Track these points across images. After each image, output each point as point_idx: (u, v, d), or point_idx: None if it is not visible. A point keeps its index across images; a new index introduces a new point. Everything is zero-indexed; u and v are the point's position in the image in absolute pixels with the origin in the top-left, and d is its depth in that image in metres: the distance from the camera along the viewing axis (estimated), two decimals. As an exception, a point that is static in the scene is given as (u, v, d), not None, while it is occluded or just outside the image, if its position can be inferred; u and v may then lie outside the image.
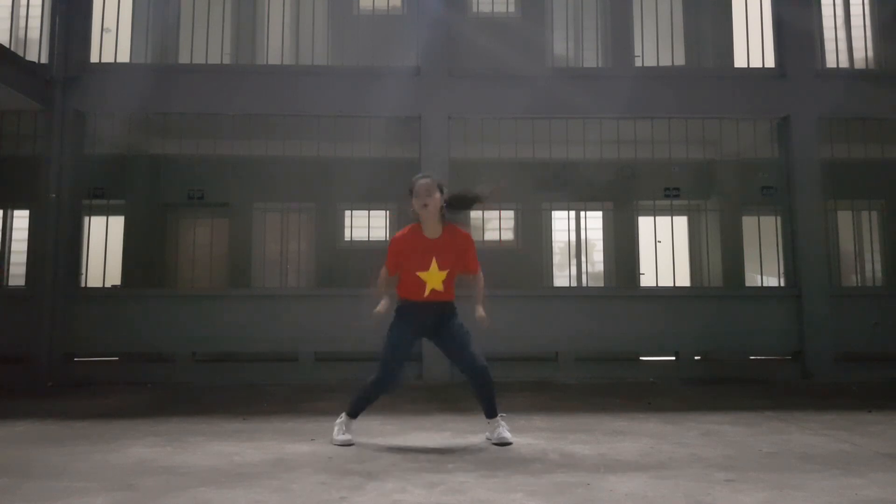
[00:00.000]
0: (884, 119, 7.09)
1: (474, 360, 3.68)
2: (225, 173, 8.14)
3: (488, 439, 3.76)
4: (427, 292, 3.70)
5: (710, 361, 6.95)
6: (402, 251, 3.72)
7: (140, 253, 8.61)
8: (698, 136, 7.41)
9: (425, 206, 3.64)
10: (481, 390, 3.74)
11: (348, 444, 3.67)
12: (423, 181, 3.70)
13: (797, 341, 6.75)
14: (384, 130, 7.27)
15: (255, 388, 6.05)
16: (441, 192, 3.69)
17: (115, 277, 7.97)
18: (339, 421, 3.79)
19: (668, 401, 5.33)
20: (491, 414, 3.78)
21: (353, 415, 3.79)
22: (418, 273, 3.68)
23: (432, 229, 3.71)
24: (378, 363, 3.73)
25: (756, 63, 7.28)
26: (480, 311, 3.78)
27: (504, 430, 3.74)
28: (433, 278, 3.69)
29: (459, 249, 3.74)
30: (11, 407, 5.02)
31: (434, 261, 3.67)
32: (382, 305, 3.79)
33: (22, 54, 6.77)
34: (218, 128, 7.23)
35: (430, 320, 3.75)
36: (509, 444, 3.68)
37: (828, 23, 7.53)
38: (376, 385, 3.74)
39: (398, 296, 3.79)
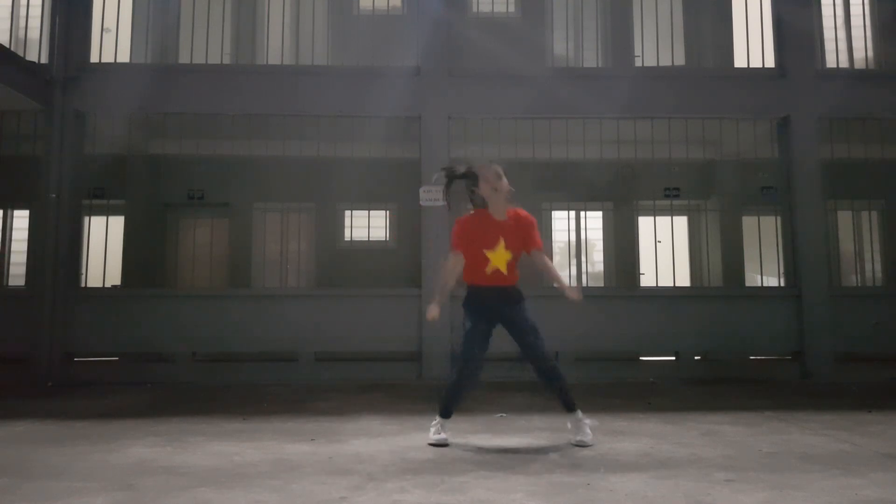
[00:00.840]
0: (884, 119, 7.09)
1: (542, 353, 3.74)
2: (225, 173, 8.14)
3: (570, 441, 3.75)
4: (490, 270, 3.74)
5: (710, 361, 6.95)
6: (469, 230, 3.76)
7: (140, 253, 8.61)
8: (698, 136, 7.41)
9: (496, 189, 3.73)
10: (556, 385, 3.76)
11: (443, 445, 3.67)
12: (493, 167, 3.78)
13: (797, 341, 6.75)
14: (384, 130, 7.27)
15: (255, 388, 6.05)
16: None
17: (115, 277, 7.97)
18: (434, 423, 3.80)
19: (668, 401, 5.33)
20: (570, 408, 3.79)
21: (445, 415, 3.80)
22: (485, 251, 3.73)
23: (500, 212, 3.78)
24: (456, 360, 3.78)
25: (756, 63, 7.28)
26: (570, 288, 3.81)
27: (581, 432, 3.72)
28: (499, 258, 3.75)
29: (525, 231, 3.80)
30: (11, 407, 5.02)
31: (502, 240, 3.74)
32: (435, 309, 3.74)
33: (22, 54, 6.77)
34: (218, 128, 7.23)
35: (497, 306, 3.77)
36: (589, 445, 3.67)
37: (828, 23, 7.53)
38: (458, 384, 3.77)
39: (464, 281, 3.82)
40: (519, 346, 3.80)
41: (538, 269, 3.89)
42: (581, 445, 3.67)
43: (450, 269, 3.83)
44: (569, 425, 3.79)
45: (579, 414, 3.78)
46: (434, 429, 3.78)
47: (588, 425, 3.76)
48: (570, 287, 3.82)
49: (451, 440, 3.77)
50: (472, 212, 3.85)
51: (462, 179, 3.84)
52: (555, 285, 3.85)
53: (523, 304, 3.83)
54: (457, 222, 3.84)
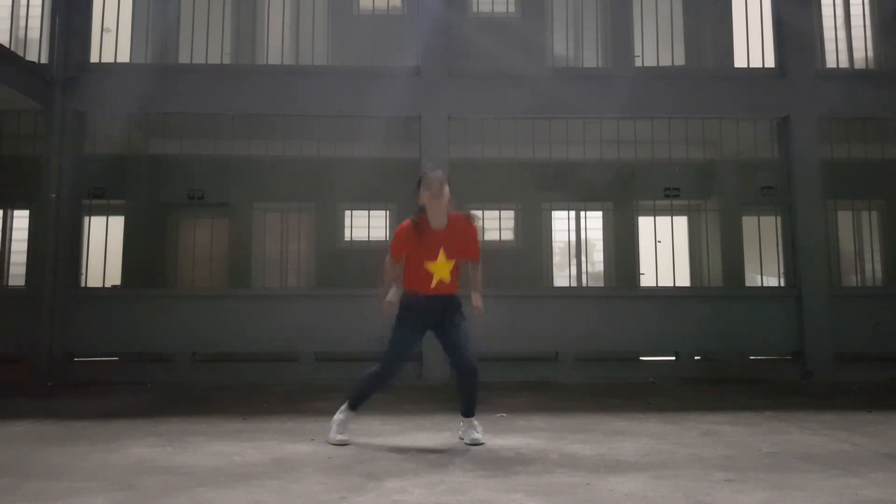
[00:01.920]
0: (884, 119, 7.09)
1: (469, 357, 3.69)
2: (225, 173, 8.13)
3: (461, 439, 3.76)
4: (434, 283, 3.71)
5: (710, 361, 6.95)
6: (410, 240, 3.72)
7: (140, 253, 8.61)
8: (698, 136, 7.41)
9: (436, 198, 3.67)
10: (467, 389, 3.74)
11: (344, 444, 3.67)
12: (436, 174, 3.72)
13: (797, 341, 6.75)
14: (384, 130, 7.27)
15: (255, 388, 6.05)
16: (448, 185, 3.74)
17: (115, 277, 7.96)
18: (337, 418, 3.78)
19: (668, 401, 5.33)
20: (468, 413, 3.78)
21: (353, 407, 3.80)
22: (426, 264, 3.69)
23: (440, 221, 3.73)
24: (381, 357, 3.75)
25: (756, 63, 7.28)
26: (478, 298, 3.81)
27: (475, 431, 3.75)
28: (441, 269, 3.71)
29: (466, 238, 3.77)
30: (11, 407, 5.02)
31: (442, 251, 3.70)
32: (392, 294, 3.77)
33: (22, 54, 6.77)
34: (218, 128, 7.23)
35: (435, 314, 3.75)
36: (482, 444, 3.69)
37: (828, 23, 7.53)
38: (377, 378, 3.77)
39: (404, 288, 3.79)
40: (446, 351, 3.77)
41: (471, 277, 3.90)
42: (475, 444, 3.68)
43: (386, 272, 3.81)
44: (461, 424, 3.79)
45: (473, 420, 3.79)
46: (336, 427, 3.74)
47: (478, 428, 3.77)
48: (478, 301, 3.80)
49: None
50: (410, 219, 3.77)
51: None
52: (474, 292, 3.83)
53: (461, 312, 3.79)
54: (397, 232, 3.80)
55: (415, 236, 3.71)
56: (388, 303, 3.76)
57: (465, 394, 3.76)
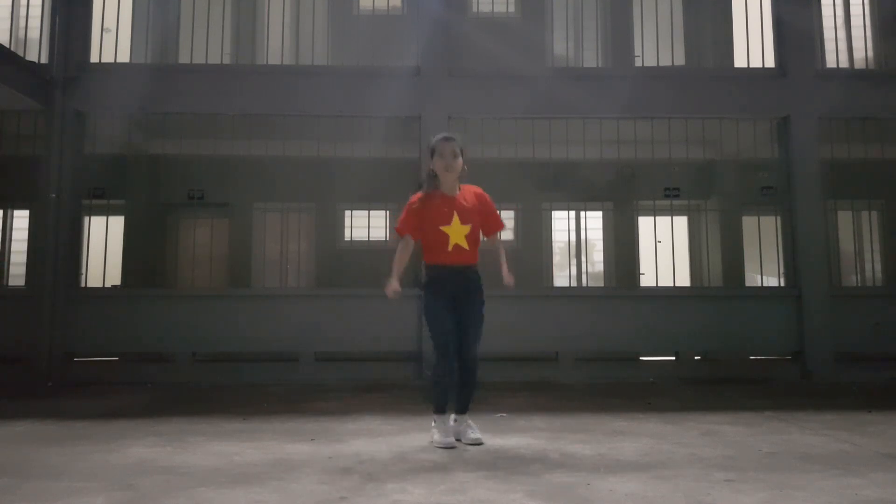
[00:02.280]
0: (884, 119, 7.09)
1: (473, 346, 3.67)
2: (225, 173, 8.14)
3: (457, 440, 3.71)
4: (451, 247, 3.65)
5: (710, 361, 6.95)
6: (421, 209, 3.68)
7: (140, 253, 8.61)
8: (698, 136, 7.41)
9: (449, 167, 3.66)
10: (466, 383, 3.71)
11: (451, 447, 3.59)
12: (449, 143, 3.68)
13: (797, 341, 6.75)
14: (384, 130, 7.27)
15: (255, 388, 6.05)
16: (462, 155, 3.72)
17: (115, 277, 7.97)
18: (434, 424, 3.73)
19: (668, 401, 5.32)
20: (462, 410, 3.75)
21: (440, 411, 3.71)
22: (441, 227, 3.65)
23: (450, 189, 3.72)
24: (433, 348, 3.67)
25: (756, 63, 7.28)
26: (507, 273, 3.73)
27: (472, 430, 3.73)
28: (456, 232, 3.66)
29: (481, 208, 3.75)
30: (11, 407, 5.02)
31: (456, 215, 3.67)
32: (395, 283, 3.68)
33: (22, 54, 6.77)
34: (218, 128, 7.23)
35: (459, 288, 3.69)
36: (481, 443, 3.66)
37: (828, 23, 7.53)
38: (440, 369, 3.67)
39: (425, 263, 3.75)
40: (460, 330, 3.68)
41: (492, 249, 3.84)
42: (477, 444, 3.65)
43: (400, 253, 3.73)
44: (453, 422, 3.75)
45: (467, 417, 3.76)
46: (437, 431, 3.68)
47: (474, 427, 3.75)
48: (508, 276, 3.73)
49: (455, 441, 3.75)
50: (423, 188, 3.75)
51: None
52: (501, 266, 3.76)
53: (481, 293, 3.74)
54: (408, 203, 3.75)
55: (426, 203, 3.67)
56: (393, 290, 3.66)
57: (463, 388, 3.72)
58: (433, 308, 3.68)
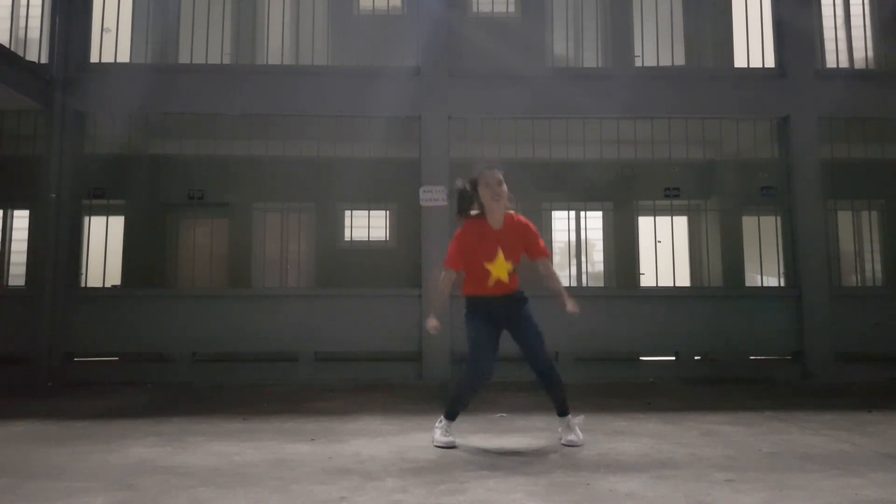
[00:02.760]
0: (884, 119, 7.09)
1: (543, 358, 3.68)
2: (225, 173, 8.13)
3: (560, 440, 3.73)
4: (492, 282, 3.65)
5: (710, 361, 6.95)
6: (467, 245, 3.65)
7: (140, 253, 8.61)
8: (698, 136, 7.41)
9: (497, 196, 3.61)
10: (550, 389, 3.72)
11: (451, 447, 3.61)
12: (493, 172, 3.63)
13: (797, 341, 6.75)
14: (384, 130, 7.27)
15: (255, 388, 6.05)
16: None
17: (115, 277, 7.96)
18: (439, 424, 3.75)
19: (668, 401, 5.33)
20: (562, 412, 3.75)
21: (451, 417, 3.73)
22: (485, 264, 3.63)
23: (497, 220, 3.69)
24: (466, 362, 3.68)
25: (756, 63, 7.28)
26: (569, 301, 3.72)
27: (571, 432, 3.71)
28: (499, 269, 3.65)
29: (523, 237, 3.72)
30: (11, 407, 5.02)
31: (500, 251, 3.64)
32: (434, 321, 3.65)
33: (22, 54, 6.77)
34: (218, 128, 7.23)
35: (502, 313, 3.69)
36: (578, 445, 3.65)
37: (828, 23, 7.52)
38: (466, 383, 3.69)
39: (464, 293, 3.74)
40: (521, 349, 3.74)
41: (542, 276, 3.82)
42: (571, 445, 3.65)
43: (444, 284, 3.73)
44: (559, 428, 3.77)
45: (570, 418, 3.76)
46: (440, 431, 3.71)
47: (578, 425, 3.75)
48: (571, 299, 3.72)
49: (455, 440, 3.75)
50: (467, 220, 3.72)
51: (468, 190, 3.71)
52: (558, 296, 3.75)
53: (527, 306, 3.75)
54: (457, 236, 3.71)
55: (475, 238, 3.64)
56: (431, 319, 3.64)
57: (550, 395, 3.73)
58: (472, 324, 3.67)
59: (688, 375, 6.68)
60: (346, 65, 7.48)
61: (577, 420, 3.79)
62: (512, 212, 3.77)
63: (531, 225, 3.79)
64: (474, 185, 3.68)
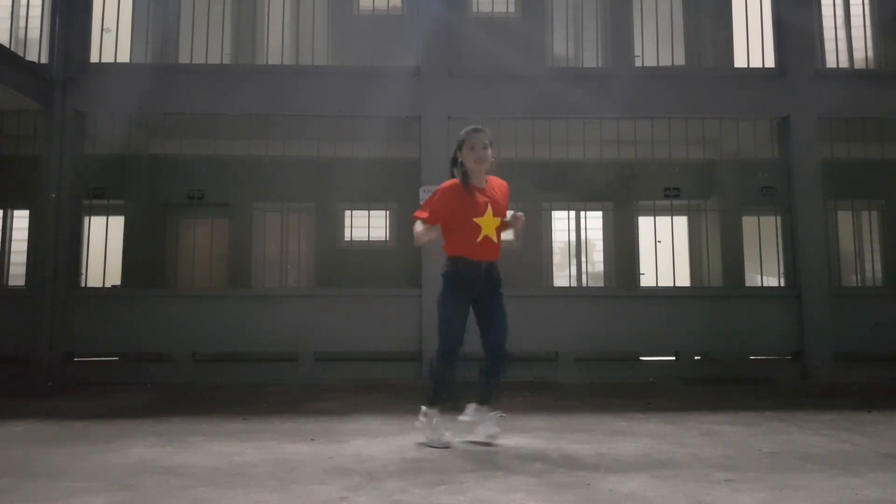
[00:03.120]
0: (884, 119, 7.09)
1: (502, 341, 3.66)
2: (225, 173, 8.13)
3: (482, 435, 3.71)
4: (481, 238, 3.61)
5: (710, 361, 6.95)
6: (454, 198, 3.61)
7: (140, 253, 8.61)
8: (698, 136, 7.41)
9: (481, 159, 3.63)
10: (492, 375, 3.71)
11: (445, 447, 3.58)
12: (479, 134, 3.65)
13: (797, 341, 6.75)
14: (384, 130, 7.27)
15: (255, 388, 6.05)
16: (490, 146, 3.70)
17: (115, 277, 7.97)
18: (422, 419, 3.67)
19: (668, 401, 5.33)
20: (485, 401, 3.74)
21: (433, 404, 3.66)
22: (474, 218, 3.60)
23: (480, 182, 3.71)
24: (438, 342, 3.61)
25: (756, 63, 7.28)
26: (515, 219, 3.73)
27: (494, 424, 3.72)
28: (488, 224, 3.64)
29: (505, 200, 3.77)
30: (11, 407, 5.02)
31: (489, 206, 3.65)
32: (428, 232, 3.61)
33: (22, 54, 6.78)
34: (218, 128, 7.23)
35: (480, 284, 3.65)
36: (495, 441, 3.67)
37: (828, 23, 7.53)
38: (441, 367, 3.63)
39: (448, 254, 3.68)
40: (481, 329, 3.67)
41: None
42: (493, 439, 3.66)
43: (419, 235, 3.61)
44: (474, 412, 3.74)
45: (487, 409, 3.75)
46: (429, 431, 3.63)
47: (494, 420, 3.73)
48: (515, 217, 3.72)
49: (451, 440, 3.74)
50: (450, 181, 3.70)
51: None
52: (513, 235, 3.80)
53: (501, 285, 3.74)
54: (441, 189, 3.67)
55: (460, 193, 3.63)
56: (420, 234, 3.58)
57: (489, 381, 3.70)
58: (449, 303, 3.60)
59: (688, 375, 6.68)
60: (347, 65, 7.48)
61: (493, 414, 3.76)
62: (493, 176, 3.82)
63: (508, 188, 3.85)
64: (460, 145, 3.70)
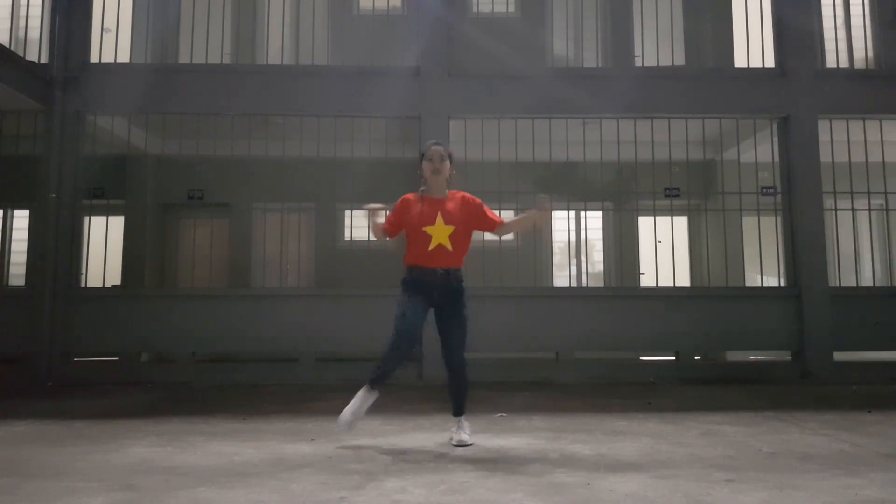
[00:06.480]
0: (884, 119, 7.09)
1: (457, 352, 3.70)
2: (225, 173, 8.13)
3: (450, 439, 3.73)
4: (433, 246, 3.69)
5: (710, 361, 6.95)
6: (405, 209, 3.78)
7: (140, 253, 8.61)
8: (698, 136, 7.41)
9: (436, 171, 3.77)
10: (455, 386, 3.76)
11: (346, 430, 3.63)
12: (436, 147, 3.82)
13: (797, 341, 6.75)
14: (384, 130, 7.27)
15: (255, 388, 6.05)
16: (451, 160, 3.82)
17: (115, 277, 7.96)
18: (356, 399, 3.67)
19: (668, 401, 5.33)
20: (458, 412, 3.78)
21: (371, 383, 3.67)
22: (424, 228, 3.71)
23: (439, 193, 3.81)
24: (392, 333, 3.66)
25: (756, 63, 7.28)
26: (541, 208, 3.67)
27: (463, 431, 3.73)
28: (439, 233, 3.70)
29: (469, 210, 3.80)
30: (11, 407, 5.02)
31: (439, 215, 3.72)
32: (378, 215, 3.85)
33: (22, 54, 6.78)
34: (218, 128, 7.23)
35: (437, 291, 3.70)
36: (468, 445, 3.65)
37: (828, 23, 7.52)
38: (389, 358, 3.65)
39: (405, 263, 3.80)
40: (442, 337, 3.73)
41: (508, 231, 3.92)
42: (462, 445, 3.64)
43: (377, 234, 3.86)
44: (453, 428, 3.77)
45: (463, 419, 3.78)
46: (353, 409, 3.62)
47: (467, 428, 3.75)
48: (541, 202, 3.68)
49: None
50: (410, 195, 3.85)
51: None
52: (525, 222, 3.83)
53: (465, 298, 3.76)
54: (397, 202, 3.86)
55: (412, 204, 3.77)
56: (374, 211, 3.82)
57: (454, 392, 3.78)
58: (404, 301, 3.70)
59: (688, 375, 6.68)
60: (346, 65, 7.48)
61: (467, 423, 3.80)
62: (459, 191, 3.88)
63: (477, 199, 3.88)
64: (421, 158, 3.84)
